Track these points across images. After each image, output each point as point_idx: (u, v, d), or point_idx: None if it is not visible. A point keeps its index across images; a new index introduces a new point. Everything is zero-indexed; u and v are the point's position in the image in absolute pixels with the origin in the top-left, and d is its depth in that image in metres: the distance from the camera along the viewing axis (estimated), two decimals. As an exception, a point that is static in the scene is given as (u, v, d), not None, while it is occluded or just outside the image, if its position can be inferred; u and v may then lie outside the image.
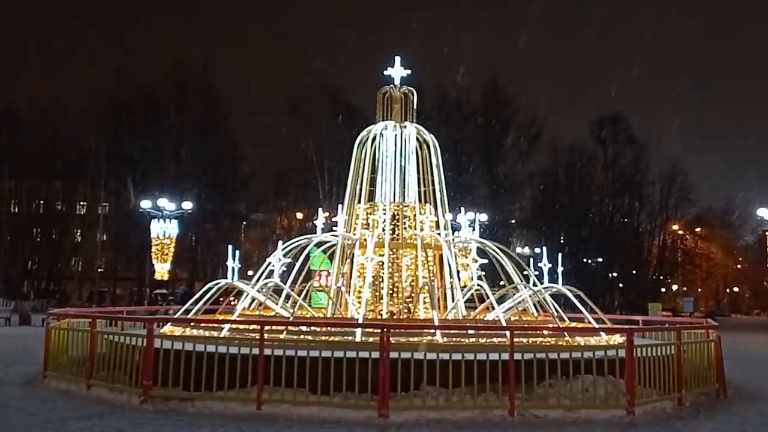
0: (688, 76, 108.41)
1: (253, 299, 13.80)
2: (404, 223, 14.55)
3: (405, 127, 15.33)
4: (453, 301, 14.05)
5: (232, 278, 13.68)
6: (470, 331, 11.53)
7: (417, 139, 15.33)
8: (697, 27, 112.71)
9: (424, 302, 14.00)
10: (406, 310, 13.95)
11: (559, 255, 14.45)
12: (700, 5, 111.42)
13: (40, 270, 55.57)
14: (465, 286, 14.60)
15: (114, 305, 44.43)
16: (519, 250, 48.60)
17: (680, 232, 64.72)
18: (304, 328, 11.26)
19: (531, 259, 15.19)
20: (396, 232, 14.43)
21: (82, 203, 57.08)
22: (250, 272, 16.11)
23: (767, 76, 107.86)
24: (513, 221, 55.77)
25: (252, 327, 10.90)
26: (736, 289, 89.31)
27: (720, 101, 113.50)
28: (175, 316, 14.35)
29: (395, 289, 14.02)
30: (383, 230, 14.19)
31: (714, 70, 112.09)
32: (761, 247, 78.42)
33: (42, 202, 55.77)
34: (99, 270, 51.74)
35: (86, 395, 10.39)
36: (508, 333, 9.93)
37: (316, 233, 15.61)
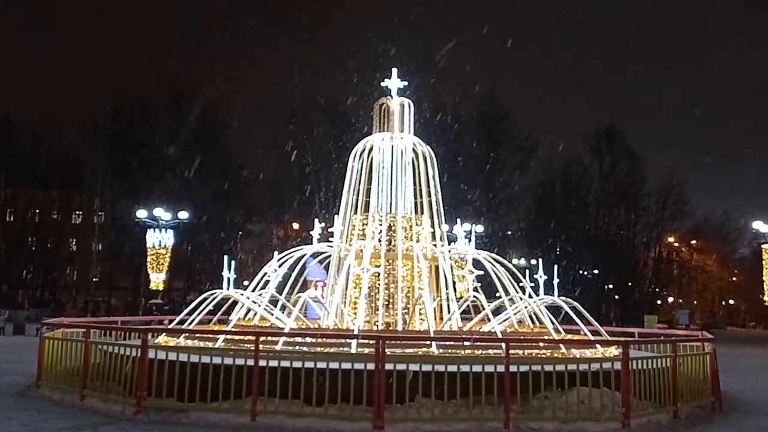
0: (684, 87, 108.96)
1: (249, 310, 13.77)
2: (401, 234, 14.54)
3: (401, 138, 15.36)
4: (449, 312, 14.04)
5: (228, 288, 13.66)
6: (466, 343, 11.51)
7: (413, 150, 15.36)
8: (692, 36, 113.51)
9: (420, 313, 13.99)
10: (402, 321, 13.91)
11: (555, 267, 14.46)
12: (696, 12, 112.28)
13: (34, 279, 55.33)
14: (461, 298, 14.59)
15: (109, 315, 44.23)
16: (515, 261, 48.53)
17: (676, 244, 64.78)
18: (299, 339, 11.23)
19: (527, 271, 15.15)
20: (392, 243, 14.42)
21: (77, 212, 56.93)
22: (245, 282, 16.07)
23: (765, 87, 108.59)
24: (509, 233, 55.78)
25: (247, 338, 10.86)
26: (731, 301, 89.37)
27: (716, 114, 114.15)
28: (170, 327, 14.30)
29: (391, 301, 13.99)
30: (379, 241, 14.19)
31: (710, 80, 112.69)
32: (757, 259, 78.48)
33: (37, 211, 55.63)
34: (94, 279, 51.55)
35: (80, 405, 10.35)
36: (503, 345, 9.92)
37: (312, 244, 15.61)
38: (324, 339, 11.38)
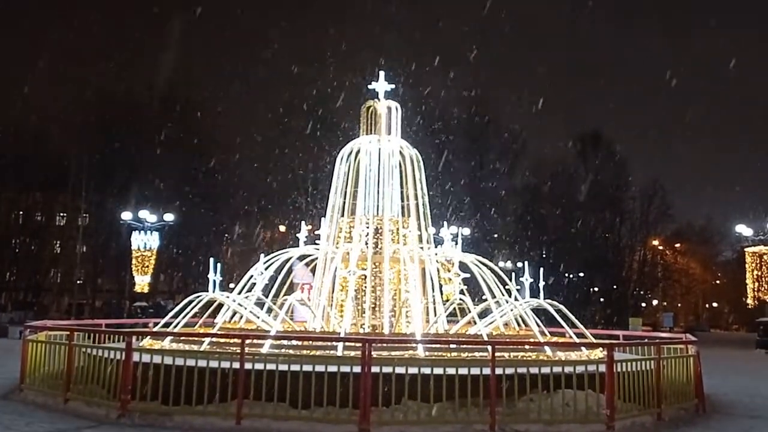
0: (669, 92, 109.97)
1: (234, 312, 13.73)
2: (387, 237, 14.54)
3: (389, 141, 15.37)
4: (435, 315, 14.06)
5: (213, 291, 13.60)
6: (452, 346, 11.53)
7: (400, 153, 15.38)
8: (677, 40, 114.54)
9: (407, 316, 14.00)
10: (388, 324, 13.91)
11: (541, 270, 14.53)
12: (684, 19, 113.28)
13: (18, 281, 54.80)
14: (447, 300, 14.62)
15: (93, 318, 43.86)
16: (501, 264, 48.67)
17: (660, 247, 65.30)
18: (285, 342, 11.21)
19: (513, 274, 15.22)
20: (379, 246, 14.43)
21: (62, 214, 56.44)
22: (231, 285, 16.02)
23: (748, 90, 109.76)
24: (495, 236, 55.97)
25: (232, 341, 10.82)
26: (715, 304, 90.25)
27: (699, 117, 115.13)
28: (155, 329, 14.22)
29: (377, 303, 14.00)
30: (366, 244, 14.19)
31: (696, 84, 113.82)
32: (740, 263, 79.21)
33: (21, 212, 55.12)
34: (78, 282, 51.12)
35: (63, 409, 10.26)
36: (489, 347, 9.94)
37: (298, 246, 15.59)
38: (310, 342, 11.36)
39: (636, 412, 10.14)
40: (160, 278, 50.40)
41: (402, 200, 15.24)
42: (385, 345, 10.94)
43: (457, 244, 15.95)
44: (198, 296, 13.64)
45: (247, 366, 9.44)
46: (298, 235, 16.32)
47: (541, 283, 14.25)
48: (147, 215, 38.56)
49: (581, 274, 57.36)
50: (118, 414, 9.56)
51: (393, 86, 15.98)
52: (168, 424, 9.30)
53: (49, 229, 55.81)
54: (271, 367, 9.47)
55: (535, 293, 14.19)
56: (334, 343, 10.85)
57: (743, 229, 47.20)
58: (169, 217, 40.48)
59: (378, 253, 14.25)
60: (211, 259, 14.24)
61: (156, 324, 15.93)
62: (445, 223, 17.11)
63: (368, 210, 14.86)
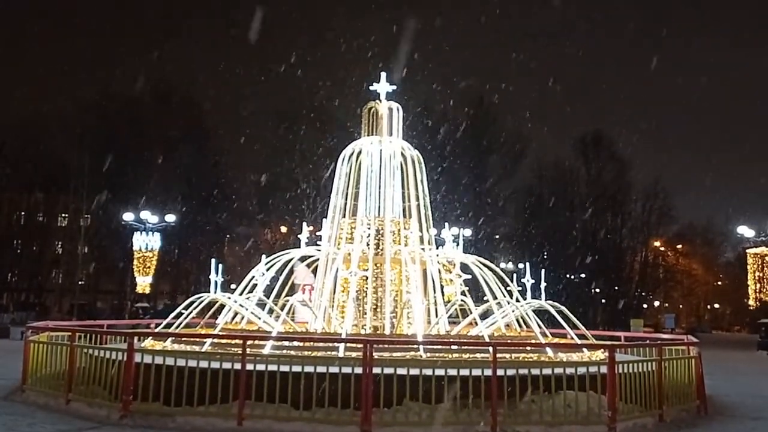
0: (672, 93, 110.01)
1: (236, 313, 13.74)
2: (389, 238, 14.54)
3: (390, 142, 15.37)
4: (436, 316, 14.06)
5: (215, 292, 13.61)
6: (453, 347, 11.53)
7: (402, 154, 15.37)
8: (678, 41, 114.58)
9: (408, 317, 13.99)
10: (389, 325, 13.92)
11: (543, 271, 14.51)
12: (683, 20, 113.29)
13: (20, 282, 54.93)
14: (449, 301, 14.61)
15: (94, 318, 43.89)
16: (503, 265, 48.68)
17: (662, 248, 65.31)
18: (286, 343, 11.21)
19: (514, 275, 15.22)
20: (380, 247, 14.42)
21: (63, 215, 56.59)
22: (233, 286, 16.06)
23: (750, 91, 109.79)
24: (497, 237, 55.96)
25: (234, 341, 10.83)
26: (716, 305, 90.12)
27: (702, 118, 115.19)
28: (157, 330, 14.23)
29: (379, 304, 13.99)
30: (367, 245, 14.18)
31: (698, 86, 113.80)
32: (741, 264, 79.28)
33: (23, 213, 55.24)
34: (80, 283, 51.19)
35: (65, 410, 10.26)
36: (491, 348, 9.94)
37: (300, 247, 15.59)
38: (311, 343, 11.36)
39: (637, 413, 10.13)
40: (162, 279, 50.39)
41: (403, 201, 15.23)
42: (386, 346, 10.94)
43: (458, 245, 15.95)
44: (199, 297, 13.66)
45: (249, 367, 9.45)
46: (299, 236, 16.32)
47: (543, 284, 14.25)
48: (148, 216, 38.62)
49: (583, 276, 57.32)
50: (119, 415, 9.57)
51: (394, 87, 15.97)
52: (170, 425, 9.31)
53: (50, 230, 55.96)
54: (272, 368, 9.47)
55: (536, 294, 14.18)
56: (336, 344, 10.86)
57: (745, 231, 47.23)
58: (170, 218, 40.52)
59: (379, 254, 14.25)
60: (213, 260, 14.25)
61: (157, 325, 15.93)
62: (447, 224, 17.09)
63: (369, 211, 14.85)
